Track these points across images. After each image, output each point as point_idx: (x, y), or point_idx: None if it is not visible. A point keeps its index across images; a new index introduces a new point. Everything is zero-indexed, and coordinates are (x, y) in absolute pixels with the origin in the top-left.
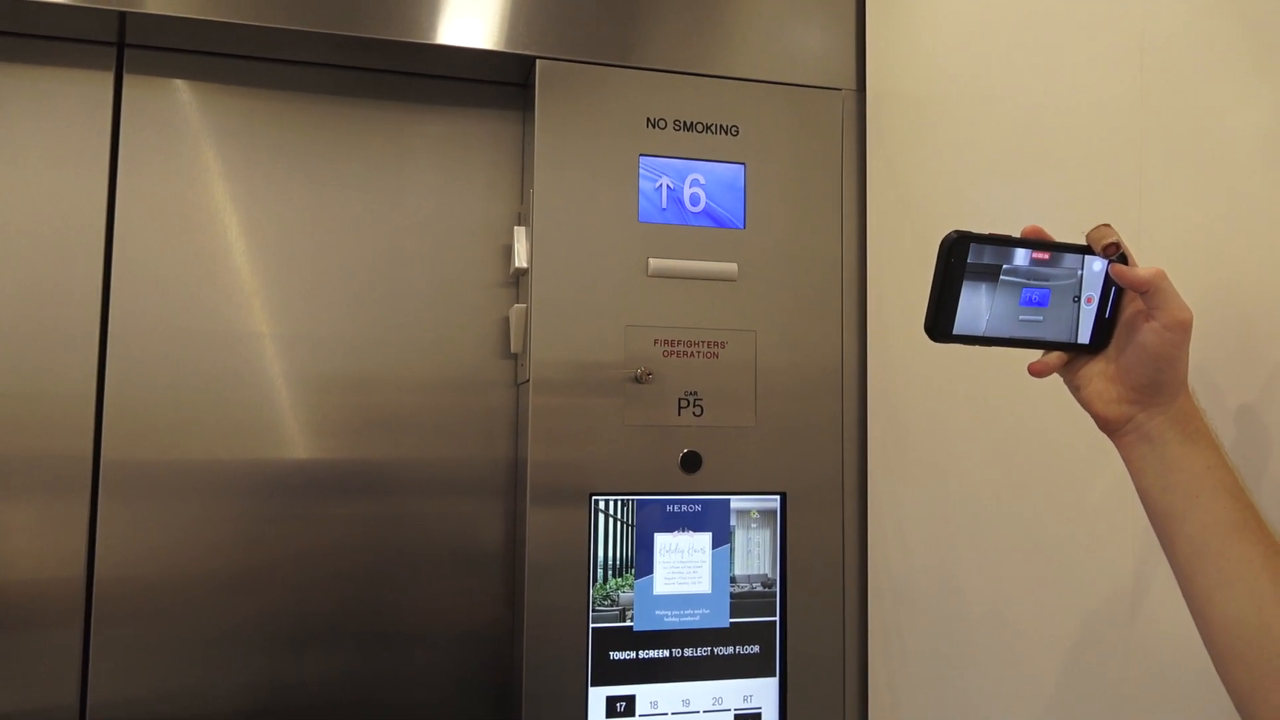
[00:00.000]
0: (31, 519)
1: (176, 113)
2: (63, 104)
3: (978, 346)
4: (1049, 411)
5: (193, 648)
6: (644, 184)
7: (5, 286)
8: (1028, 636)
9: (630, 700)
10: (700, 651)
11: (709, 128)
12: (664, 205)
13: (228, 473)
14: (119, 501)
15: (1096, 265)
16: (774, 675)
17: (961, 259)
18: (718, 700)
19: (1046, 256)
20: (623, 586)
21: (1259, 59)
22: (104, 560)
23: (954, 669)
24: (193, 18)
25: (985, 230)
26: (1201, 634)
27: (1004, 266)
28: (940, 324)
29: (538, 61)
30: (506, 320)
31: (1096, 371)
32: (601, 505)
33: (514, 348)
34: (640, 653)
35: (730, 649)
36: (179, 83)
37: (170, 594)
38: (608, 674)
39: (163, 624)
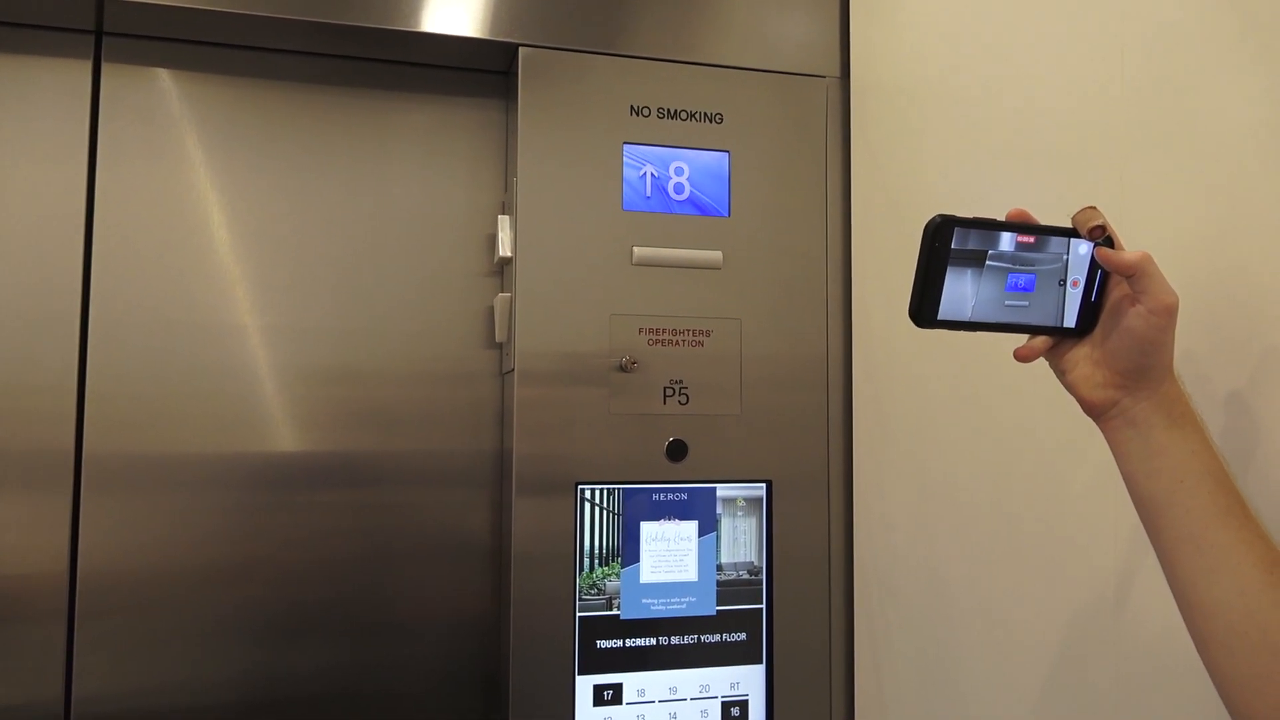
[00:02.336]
0: (13, 514)
1: (156, 102)
2: (40, 93)
3: (962, 332)
4: (1033, 402)
5: (178, 641)
6: (628, 172)
7: None
8: (1012, 624)
9: (617, 688)
10: (687, 639)
11: (693, 115)
12: (648, 193)
13: (211, 465)
14: (102, 495)
15: (1082, 248)
16: (761, 662)
17: (946, 243)
18: (705, 687)
19: (1032, 240)
20: (609, 575)
21: (1241, 48)
22: (87, 555)
23: (939, 655)
24: (172, 5)
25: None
26: (1186, 620)
27: (989, 252)
28: (925, 309)
29: (521, 49)
30: (491, 310)
31: (1082, 356)
32: (587, 494)
33: (498, 337)
34: (627, 641)
35: (717, 637)
36: (159, 71)
37: (154, 588)
38: (595, 662)
39: (147, 618)
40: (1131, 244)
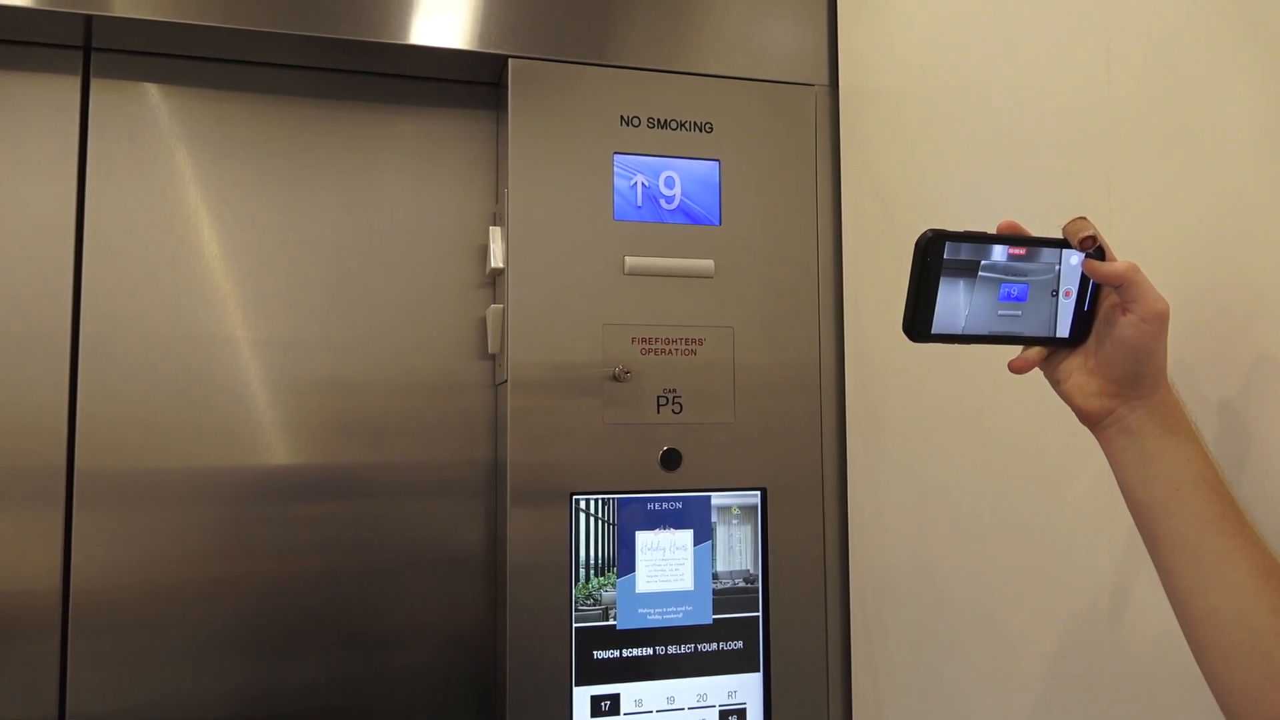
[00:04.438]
0: (5, 530)
1: (145, 117)
2: (29, 109)
3: (956, 344)
4: (1027, 408)
5: (172, 656)
6: (619, 182)
7: None
8: (1008, 631)
9: (615, 699)
10: (684, 649)
11: (683, 125)
12: (639, 203)
13: (204, 479)
14: (94, 511)
15: (1074, 259)
16: (758, 670)
17: (938, 257)
18: (702, 697)
19: (1024, 252)
20: (605, 585)
21: (1230, 55)
22: (80, 570)
23: (935, 662)
24: (160, 20)
25: (960, 227)
26: (1182, 627)
27: (982, 263)
28: (918, 324)
29: (510, 61)
30: (483, 321)
31: (1076, 365)
32: (582, 505)
33: (491, 348)
34: (624, 651)
35: (714, 645)
36: (147, 86)
37: (148, 603)
38: (592, 673)
39: (141, 633)
40: (1121, 251)
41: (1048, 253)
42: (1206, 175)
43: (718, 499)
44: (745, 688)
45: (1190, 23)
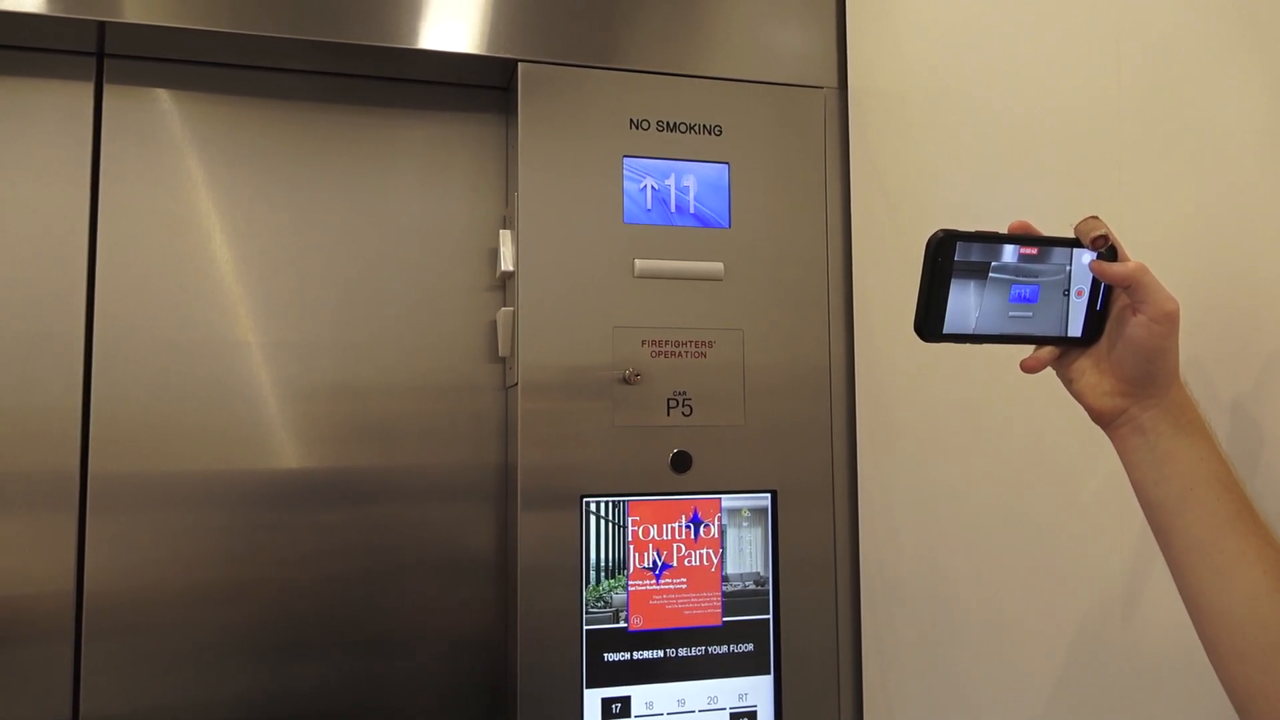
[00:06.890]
0: (19, 534)
1: (158, 122)
2: (43, 115)
3: (968, 344)
4: (1038, 407)
5: (184, 659)
6: (628, 185)
7: None
8: (1020, 632)
9: (625, 701)
10: (694, 651)
11: (692, 128)
12: (649, 206)
13: (216, 483)
14: (107, 514)
15: (1085, 258)
16: (768, 673)
17: (949, 257)
18: (713, 699)
19: (1035, 252)
20: (615, 588)
21: (1238, 52)
22: (93, 574)
23: (947, 664)
24: (173, 26)
25: (971, 227)
26: (1196, 627)
27: (992, 264)
28: (930, 323)
29: (520, 64)
30: (493, 324)
31: (1089, 365)
32: (593, 507)
33: (501, 351)
34: (634, 654)
35: (724, 648)
36: (160, 92)
37: (161, 606)
38: (602, 676)
39: (154, 636)
40: (1133, 249)
41: (1059, 252)
42: (1218, 173)
43: (728, 501)
44: (756, 690)
45: (1198, 20)
